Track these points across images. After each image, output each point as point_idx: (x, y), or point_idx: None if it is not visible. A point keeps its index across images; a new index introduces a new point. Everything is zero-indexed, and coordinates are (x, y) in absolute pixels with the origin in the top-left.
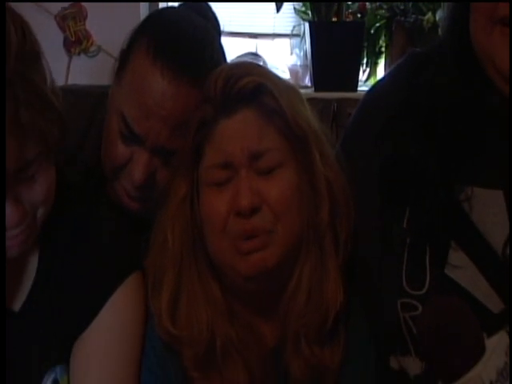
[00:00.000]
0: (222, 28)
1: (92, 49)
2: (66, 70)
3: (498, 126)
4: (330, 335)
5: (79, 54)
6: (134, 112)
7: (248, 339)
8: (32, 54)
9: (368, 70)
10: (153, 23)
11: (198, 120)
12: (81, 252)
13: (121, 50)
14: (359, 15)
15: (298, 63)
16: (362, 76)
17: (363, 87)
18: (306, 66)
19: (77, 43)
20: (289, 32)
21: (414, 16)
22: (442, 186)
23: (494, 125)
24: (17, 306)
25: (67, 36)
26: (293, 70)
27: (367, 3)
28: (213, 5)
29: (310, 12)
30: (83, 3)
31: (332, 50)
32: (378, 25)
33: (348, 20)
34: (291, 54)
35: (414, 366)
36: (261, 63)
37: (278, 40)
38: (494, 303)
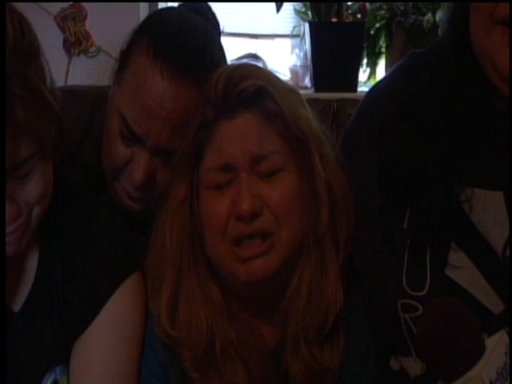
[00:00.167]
0: (221, 28)
1: (92, 49)
2: (65, 71)
3: (498, 127)
4: (330, 336)
5: (79, 54)
6: (134, 113)
7: (247, 340)
8: (30, 52)
9: (368, 70)
10: (152, 24)
11: (199, 122)
12: (81, 252)
13: (121, 50)
14: (359, 16)
15: (298, 64)
16: (362, 76)
17: (363, 88)
18: (306, 66)
19: (76, 44)
20: (289, 32)
21: (413, 17)
22: (442, 187)
23: (493, 125)
24: (17, 306)
25: (67, 36)
26: (293, 71)
27: (367, 4)
28: (212, 5)
29: (310, 12)
30: (83, 3)
31: (332, 51)
32: (378, 25)
33: (348, 20)
34: (291, 54)
35: (414, 366)
36: (261, 64)
37: (278, 40)
38: (494, 304)
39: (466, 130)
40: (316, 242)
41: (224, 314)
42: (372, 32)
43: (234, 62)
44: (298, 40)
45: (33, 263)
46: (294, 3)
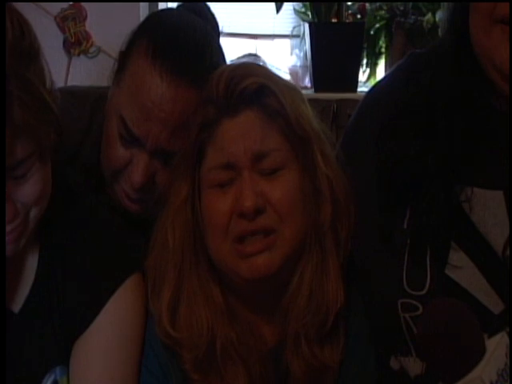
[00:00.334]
0: (221, 29)
1: (92, 50)
2: (65, 71)
3: (498, 127)
4: (330, 335)
5: (79, 54)
6: (133, 114)
7: (248, 340)
8: (30, 53)
9: (368, 70)
10: (151, 25)
11: (200, 121)
12: (81, 253)
13: (120, 51)
14: (359, 16)
15: (298, 64)
16: (362, 77)
17: (363, 88)
18: (306, 66)
19: (76, 44)
20: (289, 33)
21: (413, 17)
22: (442, 187)
23: (493, 125)
24: (16, 306)
25: (67, 37)
26: (293, 71)
27: (367, 4)
28: (212, 5)
29: (309, 13)
30: (83, 4)
31: (332, 51)
32: (377, 26)
33: (348, 21)
34: (291, 54)
35: (414, 366)
36: (261, 64)
37: (277, 41)
38: (494, 303)
39: (466, 129)
40: (317, 240)
41: (225, 315)
42: (372, 32)
43: (234, 61)
44: (297, 40)
45: (33, 263)
46: (294, 3)
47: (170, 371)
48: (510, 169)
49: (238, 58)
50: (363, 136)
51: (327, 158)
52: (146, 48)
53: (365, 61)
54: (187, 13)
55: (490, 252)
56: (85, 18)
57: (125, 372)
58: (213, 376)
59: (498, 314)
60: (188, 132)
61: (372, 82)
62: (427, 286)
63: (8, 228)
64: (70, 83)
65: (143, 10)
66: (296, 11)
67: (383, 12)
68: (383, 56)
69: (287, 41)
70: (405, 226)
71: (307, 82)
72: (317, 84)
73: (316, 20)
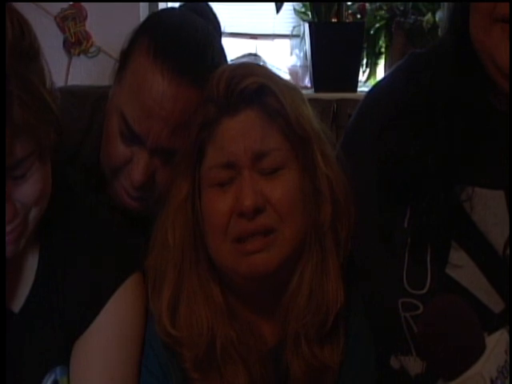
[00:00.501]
0: (223, 29)
1: (92, 49)
2: (65, 71)
3: (499, 126)
4: (330, 335)
5: (79, 54)
6: (134, 112)
7: (248, 340)
8: (30, 53)
9: (368, 70)
10: (153, 24)
11: (201, 120)
12: (81, 253)
13: (121, 50)
14: (359, 16)
15: (298, 64)
16: (362, 77)
17: (363, 88)
18: (306, 66)
19: (76, 44)
20: (288, 33)
21: (413, 17)
22: (443, 186)
23: (494, 125)
24: (16, 306)
25: (67, 37)
26: (293, 71)
27: (367, 4)
28: (212, 5)
29: (309, 13)
30: (83, 4)
31: (332, 51)
32: (377, 25)
33: (348, 21)
34: (291, 54)
35: (414, 365)
36: (261, 63)
37: (277, 41)
38: (494, 302)
39: (466, 129)
40: (317, 240)
41: (225, 315)
42: (372, 32)
43: (234, 61)
44: (297, 40)
45: (33, 263)
46: (294, 3)
47: (169, 371)
48: (510, 168)
49: (238, 58)
50: (363, 136)
51: (327, 158)
52: (148, 46)
53: (365, 61)
54: (189, 12)
55: (490, 251)
56: (85, 18)
57: (125, 372)
58: (213, 375)
59: (498, 312)
60: (189, 131)
61: (372, 82)
62: (428, 285)
63: (8, 228)
64: (70, 83)
65: (143, 10)
66: (296, 11)
67: (383, 12)
68: (383, 56)
69: (287, 41)
70: (405, 225)
71: (307, 81)
72: (317, 84)
73: (316, 20)
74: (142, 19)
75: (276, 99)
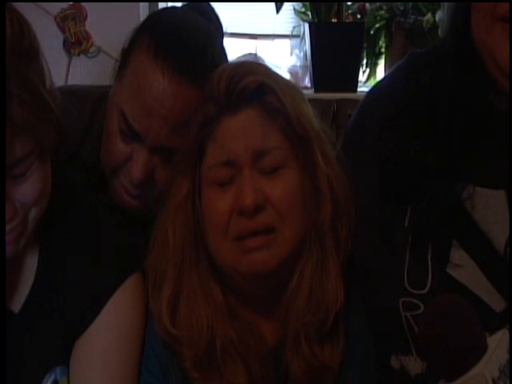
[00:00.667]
0: (224, 30)
1: (92, 49)
2: (65, 71)
3: (499, 125)
4: (330, 335)
5: (79, 54)
6: (134, 110)
7: (248, 340)
8: (29, 53)
9: (368, 70)
10: (154, 22)
11: (201, 118)
12: (81, 252)
13: (122, 48)
14: (359, 16)
15: (298, 64)
16: (362, 77)
17: (363, 88)
18: (306, 66)
19: (76, 44)
20: (288, 33)
21: (413, 17)
22: (443, 186)
23: (494, 124)
24: (16, 306)
25: (67, 37)
26: (292, 71)
27: (367, 4)
28: (212, 5)
29: (309, 13)
30: (83, 4)
31: (332, 51)
32: (377, 26)
33: (348, 21)
34: (291, 54)
35: (415, 365)
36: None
37: (277, 41)
38: (495, 302)
39: (467, 129)
40: (317, 239)
41: (225, 314)
42: (372, 32)
43: (234, 60)
44: (297, 40)
45: (32, 264)
46: (294, 3)
47: (170, 371)
48: (510, 168)
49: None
50: (363, 136)
51: (327, 158)
52: (148, 45)
53: (365, 61)
54: (191, 12)
55: (491, 250)
56: (85, 18)
57: (125, 372)
58: (213, 375)
59: (499, 311)
60: (188, 130)
61: (372, 82)
62: (428, 284)
63: (7, 228)
64: (70, 83)
65: (143, 10)
66: (296, 11)
67: (383, 12)
68: (383, 56)
69: (287, 41)
70: (406, 225)
71: (307, 81)
72: (317, 84)
73: (316, 20)
74: (141, 19)
75: (276, 98)
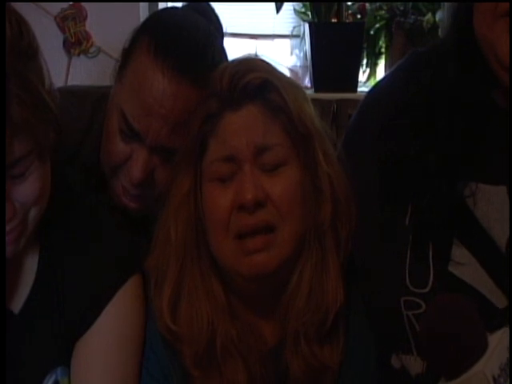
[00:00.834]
0: (225, 30)
1: (92, 50)
2: (65, 71)
3: (501, 122)
4: (330, 335)
5: (79, 54)
6: (134, 110)
7: (248, 339)
8: (28, 52)
9: (368, 70)
10: (155, 22)
11: (203, 114)
12: (81, 253)
13: (123, 48)
14: (359, 16)
15: (298, 64)
16: (362, 77)
17: (363, 88)
18: (306, 66)
19: (76, 44)
20: (288, 33)
21: (413, 17)
22: (444, 183)
23: (496, 120)
24: (17, 307)
25: (67, 37)
26: (293, 71)
27: (367, 4)
28: (212, 5)
29: (309, 13)
30: (83, 4)
31: (332, 51)
32: (377, 26)
33: (348, 21)
34: (291, 54)
35: (415, 364)
36: None
37: (277, 41)
38: (497, 299)
39: (467, 128)
40: (317, 239)
41: (225, 312)
42: (372, 32)
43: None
44: (297, 40)
45: (32, 264)
46: (294, 3)
47: (170, 373)
48: (509, 164)
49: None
50: (364, 136)
51: (329, 157)
52: (149, 45)
53: (365, 61)
54: (191, 12)
55: (493, 247)
56: (85, 18)
57: (125, 373)
58: (212, 372)
59: (502, 308)
60: (189, 128)
61: (372, 82)
62: (430, 283)
63: (7, 228)
64: (70, 83)
65: (143, 10)
66: (296, 11)
67: (383, 12)
68: (383, 56)
69: (287, 41)
70: (406, 223)
71: (307, 81)
72: (317, 84)
73: (316, 20)
74: (142, 19)
75: (279, 95)
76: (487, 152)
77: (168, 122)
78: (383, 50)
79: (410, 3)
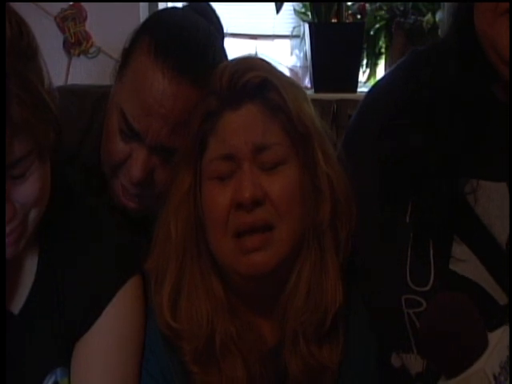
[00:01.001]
0: (225, 31)
1: (92, 50)
2: (65, 71)
3: (503, 118)
4: (329, 335)
5: (79, 55)
6: (134, 109)
7: (248, 337)
8: (28, 52)
9: (368, 71)
10: (155, 22)
11: (203, 112)
12: (81, 253)
13: (123, 48)
14: (359, 16)
15: (298, 64)
16: (362, 77)
17: (363, 88)
18: (306, 67)
19: (76, 44)
20: (288, 33)
21: (413, 17)
22: (444, 181)
23: (497, 116)
24: (16, 308)
25: (67, 37)
26: (292, 71)
27: (367, 4)
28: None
29: (309, 13)
30: (83, 4)
31: (332, 51)
32: (377, 26)
33: (348, 21)
34: (291, 55)
35: (415, 363)
36: None
37: (277, 41)
38: (498, 296)
39: (468, 124)
40: (316, 238)
41: (225, 310)
42: (372, 32)
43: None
44: (297, 40)
45: (32, 265)
46: (294, 3)
47: (170, 372)
48: (509, 161)
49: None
50: (364, 136)
51: (328, 157)
52: (149, 45)
53: (365, 61)
54: (191, 13)
55: (493, 244)
56: (85, 19)
57: (125, 373)
58: (212, 369)
59: (503, 304)
60: (188, 129)
61: (372, 83)
62: (431, 282)
63: (7, 229)
64: (69, 83)
65: (143, 10)
66: (296, 11)
67: (383, 12)
68: (383, 56)
69: (287, 41)
70: (407, 221)
71: (307, 82)
72: (317, 84)
73: (316, 20)
74: (142, 19)
75: (278, 94)
76: (488, 149)
77: (168, 122)
78: (383, 50)
79: (410, 3)
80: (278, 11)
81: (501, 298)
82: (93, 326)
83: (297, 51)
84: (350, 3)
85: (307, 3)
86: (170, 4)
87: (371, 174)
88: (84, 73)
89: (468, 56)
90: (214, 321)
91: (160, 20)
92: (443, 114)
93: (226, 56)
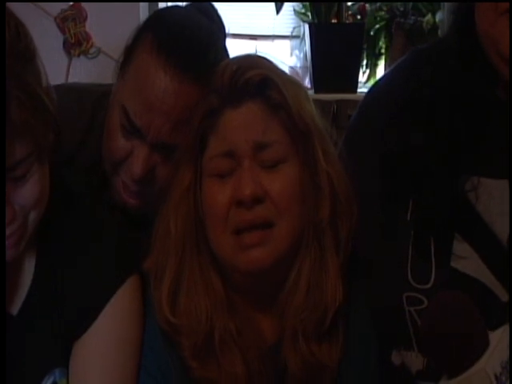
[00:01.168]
0: (227, 31)
1: (92, 50)
2: (65, 72)
3: (503, 116)
4: (329, 333)
5: (79, 55)
6: (136, 106)
7: (247, 334)
8: (26, 54)
9: (368, 71)
10: (158, 20)
11: (204, 110)
12: (81, 253)
13: (125, 46)
14: (359, 17)
15: (298, 65)
16: (362, 77)
17: (363, 88)
18: (306, 67)
19: (76, 45)
20: (288, 33)
21: (413, 17)
22: (445, 178)
23: (497, 114)
24: (15, 309)
25: (67, 38)
26: (292, 72)
27: (367, 5)
28: None
29: (309, 13)
30: (83, 4)
31: (332, 52)
32: (377, 26)
33: (348, 21)
34: (291, 55)
35: (416, 361)
36: None
37: (277, 41)
38: (499, 292)
39: (469, 122)
40: (315, 237)
41: (224, 305)
42: (372, 33)
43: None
44: (297, 41)
45: (30, 266)
46: (294, 4)
47: (168, 370)
48: (509, 158)
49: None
50: (364, 135)
51: (328, 155)
52: (152, 42)
53: (365, 61)
54: (194, 11)
55: (494, 242)
56: (85, 19)
57: (124, 374)
58: (211, 364)
59: (504, 301)
60: (190, 125)
61: (372, 83)
62: (432, 279)
63: (7, 231)
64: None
65: (143, 10)
66: (296, 12)
67: (383, 13)
68: (383, 57)
69: (287, 41)
70: (408, 218)
71: (307, 82)
72: (317, 84)
73: (316, 21)
74: (142, 20)
75: (279, 92)
76: (489, 146)
77: (169, 119)
78: (383, 50)
79: (410, 4)
80: (277, 11)
81: (502, 295)
82: (91, 327)
83: (297, 52)
84: (350, 3)
85: (307, 3)
86: (170, 4)
87: (372, 173)
88: (84, 73)
89: (468, 56)
90: (213, 317)
91: (163, 18)
92: (444, 113)
93: (227, 55)
